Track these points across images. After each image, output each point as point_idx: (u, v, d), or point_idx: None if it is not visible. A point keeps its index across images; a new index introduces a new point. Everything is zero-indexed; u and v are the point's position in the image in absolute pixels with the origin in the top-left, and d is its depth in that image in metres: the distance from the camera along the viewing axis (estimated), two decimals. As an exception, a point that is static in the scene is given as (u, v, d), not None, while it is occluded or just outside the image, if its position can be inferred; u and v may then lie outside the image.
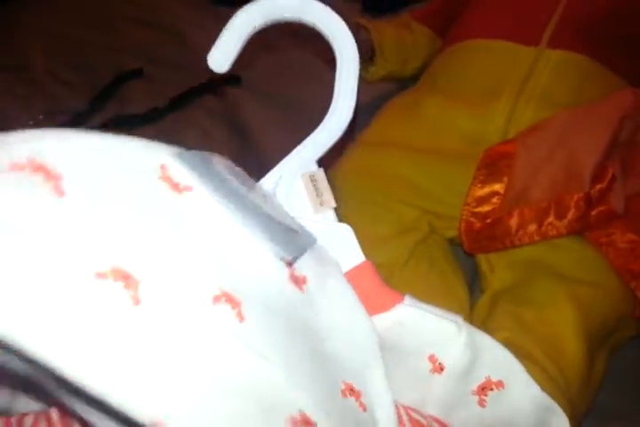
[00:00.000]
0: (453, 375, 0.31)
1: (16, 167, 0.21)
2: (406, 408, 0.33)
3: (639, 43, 0.74)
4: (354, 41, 0.31)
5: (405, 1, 1.19)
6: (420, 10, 0.97)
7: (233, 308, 0.24)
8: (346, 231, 0.33)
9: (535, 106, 0.68)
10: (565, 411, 0.49)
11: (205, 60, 1.17)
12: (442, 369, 0.31)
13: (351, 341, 0.30)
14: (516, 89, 0.70)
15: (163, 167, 0.26)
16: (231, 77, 1.08)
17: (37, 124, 1.03)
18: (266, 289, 0.27)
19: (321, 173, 0.33)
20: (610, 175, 0.60)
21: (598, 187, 0.60)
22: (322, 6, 0.31)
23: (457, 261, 0.69)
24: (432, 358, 0.31)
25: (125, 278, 0.21)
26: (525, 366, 0.50)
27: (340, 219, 0.68)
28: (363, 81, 0.93)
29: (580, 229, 0.59)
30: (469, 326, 0.32)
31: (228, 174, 0.28)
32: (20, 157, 0.21)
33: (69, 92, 1.18)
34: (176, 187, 0.26)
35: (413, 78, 0.89)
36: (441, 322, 0.32)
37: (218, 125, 0.99)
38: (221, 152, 1.01)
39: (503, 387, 0.31)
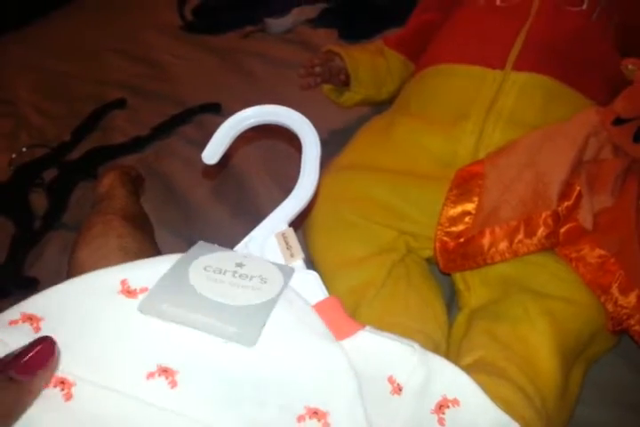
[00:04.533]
0: (411, 394, 0.32)
1: (13, 322, 0.32)
2: None
3: (601, 63, 0.77)
4: (315, 133, 0.41)
5: (379, 28, 1.22)
6: (393, 36, 1.00)
7: (167, 378, 0.30)
8: (312, 277, 0.38)
9: (503, 127, 0.71)
10: (540, 427, 0.50)
11: (185, 88, 1.18)
12: (400, 390, 0.32)
13: (318, 365, 0.32)
14: (483, 111, 0.72)
15: (123, 282, 0.34)
16: (211, 105, 1.10)
17: (20, 157, 1.04)
18: (205, 354, 0.32)
19: (290, 231, 0.40)
20: (576, 192, 0.62)
21: (566, 204, 0.61)
22: (292, 112, 0.41)
23: (435, 281, 0.70)
24: (391, 379, 0.32)
25: (62, 383, 0.30)
26: (500, 384, 0.51)
27: (315, 244, 0.70)
28: (338, 106, 0.96)
29: (550, 246, 0.60)
30: (423, 348, 0.34)
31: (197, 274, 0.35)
32: (14, 314, 0.32)
33: (53, 124, 1.19)
34: (133, 293, 0.34)
35: (388, 103, 0.91)
36: (397, 345, 0.34)
37: (198, 154, 1.00)
38: (202, 181, 1.02)
39: (459, 405, 0.32)
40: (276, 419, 0.30)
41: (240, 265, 0.35)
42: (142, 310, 0.32)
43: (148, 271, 0.34)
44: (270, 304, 0.33)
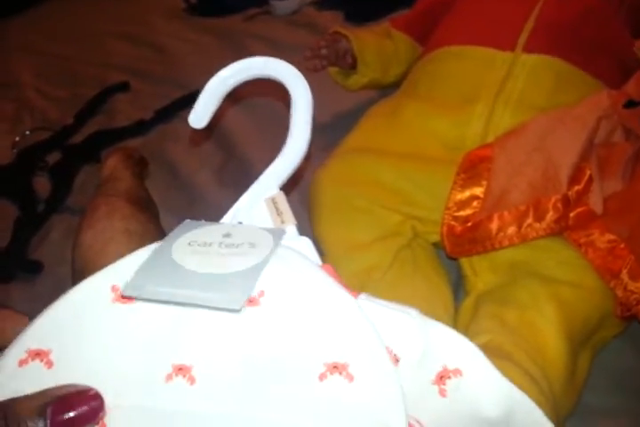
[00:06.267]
0: (409, 365, 0.30)
1: (23, 362, 0.30)
2: None
3: (613, 45, 0.76)
4: (305, 83, 0.38)
5: (386, 10, 1.20)
6: (400, 17, 0.99)
7: (184, 376, 0.29)
8: (304, 244, 0.36)
9: (512, 110, 0.69)
10: (548, 412, 0.50)
11: (188, 73, 1.18)
12: (397, 361, 0.30)
13: (328, 317, 0.31)
14: (492, 94, 0.71)
15: (114, 288, 0.32)
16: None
17: (23, 140, 1.04)
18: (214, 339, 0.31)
19: (281, 196, 0.37)
20: (587, 176, 0.61)
21: (576, 188, 0.60)
22: (275, 61, 0.38)
23: (442, 265, 0.69)
24: (387, 350, 0.31)
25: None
26: (507, 367, 0.51)
27: (322, 228, 0.69)
28: (345, 89, 0.95)
29: (560, 231, 0.59)
30: (423, 316, 0.32)
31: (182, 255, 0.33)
32: (20, 353, 0.30)
33: (56, 108, 1.18)
34: (128, 298, 0.32)
35: (395, 85, 0.90)
36: (394, 313, 0.32)
37: (202, 137, 0.99)
38: (206, 164, 1.01)
39: (461, 375, 0.30)
40: (299, 386, 0.29)
41: (227, 235, 0.34)
42: (126, 294, 0.31)
43: (136, 267, 0.33)
44: (259, 267, 0.31)
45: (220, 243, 0.33)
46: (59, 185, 0.92)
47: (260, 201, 0.37)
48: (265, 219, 0.36)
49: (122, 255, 0.44)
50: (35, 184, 0.94)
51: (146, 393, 0.29)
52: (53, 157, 0.99)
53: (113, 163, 0.57)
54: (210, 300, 0.30)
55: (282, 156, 0.38)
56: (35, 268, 0.80)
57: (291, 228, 0.36)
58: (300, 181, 0.70)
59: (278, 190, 0.37)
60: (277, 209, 0.36)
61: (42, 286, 0.78)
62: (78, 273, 0.47)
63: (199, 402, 0.29)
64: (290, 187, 0.40)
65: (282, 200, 0.37)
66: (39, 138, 1.03)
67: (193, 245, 0.33)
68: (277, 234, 0.34)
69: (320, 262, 0.35)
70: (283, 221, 0.36)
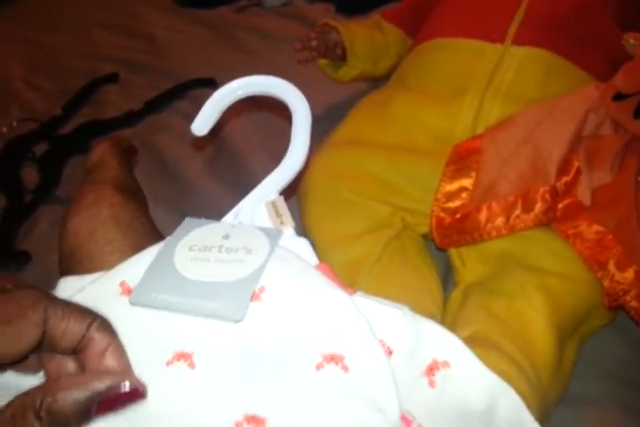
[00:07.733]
0: (402, 357, 0.32)
1: None
2: None
3: (601, 39, 0.76)
4: (305, 101, 0.41)
5: (377, 2, 1.20)
6: (390, 10, 0.99)
7: (185, 360, 0.30)
8: (302, 244, 0.38)
9: (501, 102, 0.70)
10: (535, 400, 0.50)
11: (178, 63, 1.17)
12: (390, 353, 0.32)
13: (325, 312, 0.32)
14: (482, 86, 0.71)
15: (122, 284, 0.33)
16: (205, 80, 1.08)
17: (11, 131, 1.03)
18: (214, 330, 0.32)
19: (280, 200, 0.40)
20: (575, 168, 0.61)
21: (564, 180, 0.61)
22: (281, 81, 0.42)
23: (431, 257, 0.70)
24: (381, 343, 0.32)
25: None
26: (494, 356, 0.51)
27: (311, 219, 0.69)
28: (335, 81, 0.95)
29: (548, 222, 0.60)
30: (413, 311, 0.33)
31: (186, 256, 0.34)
32: None
33: (45, 99, 1.18)
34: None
35: (385, 78, 0.90)
36: (386, 308, 0.34)
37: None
38: (197, 155, 1.01)
39: (449, 367, 0.32)
40: (296, 374, 0.30)
41: (226, 237, 0.35)
42: (132, 301, 0.32)
43: (143, 266, 0.34)
44: (256, 275, 0.33)
45: (220, 247, 0.35)
46: (46, 175, 0.91)
47: (261, 204, 0.39)
48: (265, 220, 0.39)
49: (110, 241, 0.44)
50: (22, 175, 0.94)
51: (145, 378, 0.29)
52: (42, 149, 0.98)
53: (101, 151, 0.57)
54: (213, 310, 0.31)
55: (282, 165, 0.41)
56: (23, 259, 0.79)
57: (289, 229, 0.38)
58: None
59: (278, 195, 0.40)
60: (277, 212, 0.39)
61: (30, 276, 0.78)
62: (66, 259, 0.47)
63: (197, 384, 0.30)
64: (289, 192, 0.43)
65: (281, 204, 0.39)
66: (27, 129, 1.03)
67: (194, 250, 0.34)
68: (274, 236, 0.36)
69: (317, 261, 0.37)
70: (282, 223, 0.38)
